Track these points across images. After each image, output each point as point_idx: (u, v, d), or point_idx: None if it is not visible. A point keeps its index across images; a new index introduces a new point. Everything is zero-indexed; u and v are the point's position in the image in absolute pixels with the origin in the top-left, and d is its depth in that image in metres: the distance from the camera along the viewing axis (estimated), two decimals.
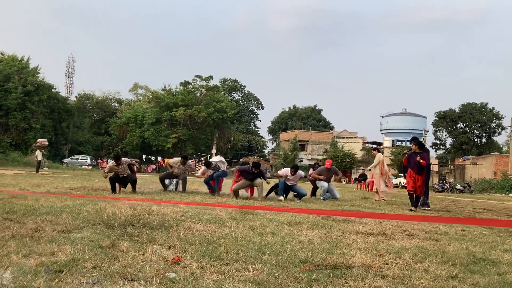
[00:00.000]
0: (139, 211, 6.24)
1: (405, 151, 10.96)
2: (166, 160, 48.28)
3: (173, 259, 3.32)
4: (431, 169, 11.16)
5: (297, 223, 5.96)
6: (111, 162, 11.37)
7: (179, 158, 12.10)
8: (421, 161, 9.68)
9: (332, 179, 13.02)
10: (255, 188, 11.36)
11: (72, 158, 45.61)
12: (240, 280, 2.87)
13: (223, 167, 12.28)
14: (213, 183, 11.80)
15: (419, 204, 10.08)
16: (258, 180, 10.82)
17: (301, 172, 11.65)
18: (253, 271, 3.14)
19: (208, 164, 12.05)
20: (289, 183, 11.29)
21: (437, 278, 3.24)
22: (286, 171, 11.33)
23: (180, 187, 12.35)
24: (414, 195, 9.90)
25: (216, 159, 12.79)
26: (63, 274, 2.74)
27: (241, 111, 69.96)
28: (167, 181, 12.49)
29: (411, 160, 10.01)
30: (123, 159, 10.73)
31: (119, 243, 3.80)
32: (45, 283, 2.50)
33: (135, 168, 11.35)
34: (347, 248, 4.31)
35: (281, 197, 10.95)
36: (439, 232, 5.85)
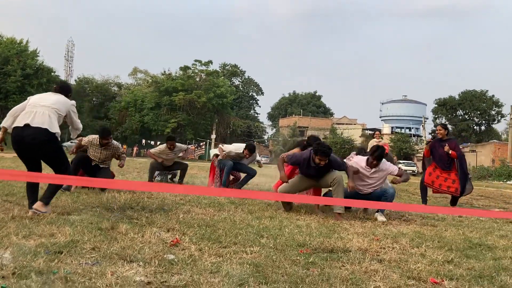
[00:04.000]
0: (138, 194, 6.27)
1: (429, 139, 8.44)
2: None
3: (172, 241, 3.35)
4: (465, 160, 7.70)
5: (295, 207, 5.98)
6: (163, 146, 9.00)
7: (164, 145, 9.07)
8: (450, 152, 7.36)
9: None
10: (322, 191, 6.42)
11: (71, 142, 45.53)
12: (238, 262, 2.89)
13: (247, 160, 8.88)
14: (234, 179, 8.97)
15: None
16: (334, 175, 5.66)
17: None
18: (251, 254, 3.17)
19: (253, 149, 8.58)
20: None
21: (433, 263, 3.27)
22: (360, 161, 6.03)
23: (173, 177, 9.88)
24: (429, 190, 7.78)
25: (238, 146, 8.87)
26: (62, 255, 2.76)
27: (241, 96, 69.73)
28: (157, 176, 9.55)
29: (436, 150, 7.58)
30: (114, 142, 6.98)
31: (118, 225, 3.82)
32: (45, 264, 2.52)
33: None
34: (344, 233, 4.35)
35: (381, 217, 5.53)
36: (436, 218, 5.88)
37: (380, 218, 5.45)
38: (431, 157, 7.69)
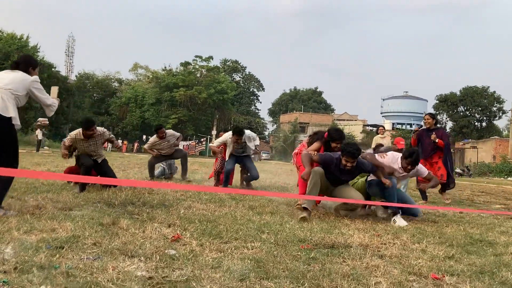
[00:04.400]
0: (139, 190, 6.27)
1: (416, 128, 8.25)
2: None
3: (173, 236, 3.35)
4: (451, 150, 7.55)
5: (296, 202, 5.98)
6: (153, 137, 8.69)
7: (154, 136, 8.74)
8: (437, 140, 7.26)
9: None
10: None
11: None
12: (239, 257, 2.90)
13: (251, 145, 7.89)
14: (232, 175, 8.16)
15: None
16: (352, 195, 5.16)
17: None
18: (252, 249, 3.17)
19: (239, 132, 7.52)
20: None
21: (434, 258, 3.27)
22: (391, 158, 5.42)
23: (170, 170, 9.35)
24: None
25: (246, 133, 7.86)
26: (64, 250, 2.77)
27: (242, 92, 69.69)
28: (157, 171, 9.14)
29: (423, 139, 7.54)
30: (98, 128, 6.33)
31: (119, 221, 3.82)
32: (46, 258, 2.52)
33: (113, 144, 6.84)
34: (345, 228, 4.35)
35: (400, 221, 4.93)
36: (437, 214, 5.89)
37: (400, 222, 4.85)
38: (418, 146, 7.50)
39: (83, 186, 5.89)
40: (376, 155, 5.49)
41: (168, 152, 8.79)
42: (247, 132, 7.79)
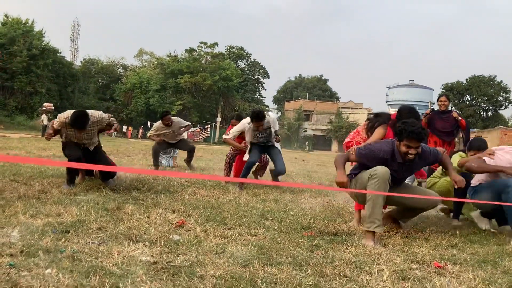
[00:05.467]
0: (144, 176, 6.29)
1: (428, 111, 7.18)
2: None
3: (177, 222, 3.37)
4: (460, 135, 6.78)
5: (300, 190, 6.00)
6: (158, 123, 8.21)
7: (158, 122, 8.22)
8: (460, 118, 6.46)
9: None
10: None
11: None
12: (243, 243, 2.91)
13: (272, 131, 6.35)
14: (260, 165, 6.92)
15: None
16: (427, 194, 3.75)
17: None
18: (255, 236, 3.19)
19: (258, 117, 6.03)
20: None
21: (437, 247, 3.28)
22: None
23: (171, 161, 8.96)
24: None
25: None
26: (69, 234, 2.79)
27: (247, 79, 69.36)
28: (164, 162, 8.83)
29: (435, 123, 6.62)
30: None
31: (124, 206, 3.85)
32: (52, 242, 2.55)
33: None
34: (349, 216, 4.36)
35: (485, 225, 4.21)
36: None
37: (483, 226, 4.13)
38: (429, 130, 6.53)
39: (71, 180, 4.92)
40: (484, 158, 4.01)
41: (173, 140, 8.28)
42: (270, 114, 6.40)
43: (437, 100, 7.02)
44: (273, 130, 6.32)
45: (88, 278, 1.97)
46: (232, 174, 6.98)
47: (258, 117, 6.02)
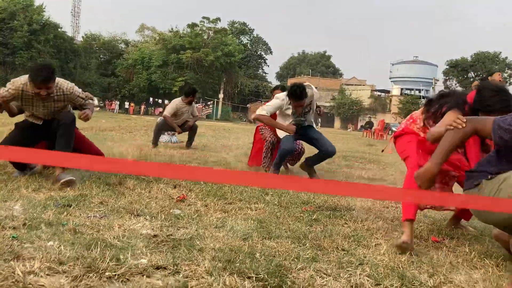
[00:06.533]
0: (146, 151, 6.33)
1: (476, 82, 6.09)
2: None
3: (178, 197, 3.41)
4: None
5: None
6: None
7: (179, 99, 7.82)
8: None
9: None
10: None
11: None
12: (243, 218, 2.95)
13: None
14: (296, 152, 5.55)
15: None
16: None
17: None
18: (255, 210, 3.23)
19: (297, 93, 4.80)
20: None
21: (435, 222, 3.32)
22: None
23: (174, 137, 8.61)
24: None
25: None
26: (71, 208, 2.83)
27: (249, 55, 68.84)
28: (166, 137, 8.47)
29: None
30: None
31: (126, 181, 3.88)
32: (54, 216, 2.59)
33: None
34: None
35: None
36: None
37: None
38: None
39: (21, 166, 3.84)
40: None
41: (180, 123, 7.80)
42: (313, 88, 5.10)
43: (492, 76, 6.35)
44: (314, 107, 5.22)
45: (89, 250, 2.01)
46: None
47: (298, 95, 4.66)
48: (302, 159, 5.52)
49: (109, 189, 3.49)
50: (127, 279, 1.77)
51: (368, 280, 1.95)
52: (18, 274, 1.68)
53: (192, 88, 8.14)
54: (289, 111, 4.98)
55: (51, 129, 3.87)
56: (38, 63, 4.04)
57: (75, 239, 2.19)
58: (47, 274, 1.74)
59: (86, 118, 3.92)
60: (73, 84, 3.99)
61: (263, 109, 5.00)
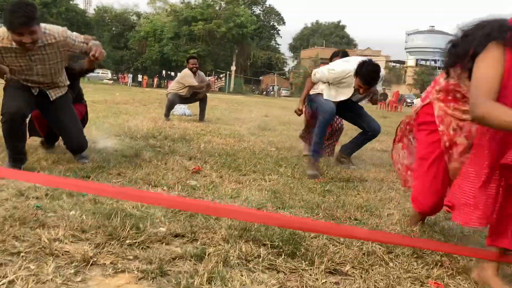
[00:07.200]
0: (160, 124, 6.40)
1: None
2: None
3: (193, 168, 3.47)
4: None
5: None
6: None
7: (185, 70, 7.74)
8: None
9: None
10: None
11: (92, 72, 45.84)
12: (257, 189, 3.01)
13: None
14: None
15: None
16: None
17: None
18: (269, 181, 3.28)
19: (371, 78, 3.76)
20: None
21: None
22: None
23: (187, 110, 8.73)
24: None
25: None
26: (90, 179, 2.91)
27: (262, 26, 67.84)
28: (181, 109, 8.64)
29: None
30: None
31: (142, 153, 3.96)
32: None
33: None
34: (362, 164, 4.42)
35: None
36: None
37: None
38: None
39: (15, 157, 3.13)
40: None
41: (189, 95, 7.74)
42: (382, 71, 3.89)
43: None
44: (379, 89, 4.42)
45: (110, 219, 2.08)
46: None
47: (374, 81, 3.78)
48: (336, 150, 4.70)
49: (126, 161, 3.57)
50: (147, 246, 1.84)
51: (380, 248, 2.00)
52: (44, 241, 1.77)
53: (189, 56, 8.20)
54: (344, 85, 3.95)
55: (48, 110, 3.34)
56: (13, 2, 2.79)
57: (96, 208, 2.27)
58: (71, 241, 1.82)
59: (101, 55, 3.11)
60: (65, 27, 3.18)
61: (316, 74, 4.00)
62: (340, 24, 77.02)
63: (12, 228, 1.89)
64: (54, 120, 3.37)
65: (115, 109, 9.09)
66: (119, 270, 1.62)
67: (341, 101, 4.01)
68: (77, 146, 3.35)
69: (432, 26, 76.80)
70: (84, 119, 4.02)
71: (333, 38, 71.97)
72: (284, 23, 73.36)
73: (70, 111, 3.39)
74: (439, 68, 60.01)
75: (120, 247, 1.81)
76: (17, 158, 3.12)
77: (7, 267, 1.54)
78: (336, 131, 4.78)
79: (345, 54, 4.56)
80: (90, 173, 3.05)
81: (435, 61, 66.81)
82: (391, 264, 1.85)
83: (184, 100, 7.84)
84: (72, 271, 1.57)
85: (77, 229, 1.95)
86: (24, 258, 1.64)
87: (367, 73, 3.70)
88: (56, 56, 3.13)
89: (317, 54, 60.47)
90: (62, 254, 1.69)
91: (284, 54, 73.59)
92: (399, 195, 3.16)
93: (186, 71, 7.73)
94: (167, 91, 8.09)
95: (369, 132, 4.20)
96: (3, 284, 1.41)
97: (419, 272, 1.79)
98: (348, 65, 3.90)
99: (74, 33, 3.18)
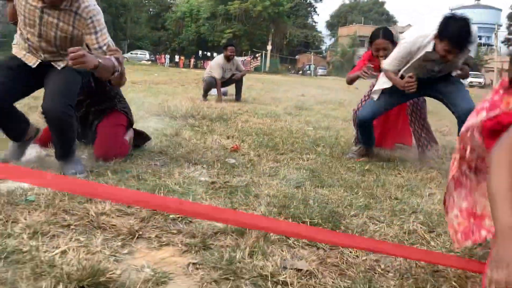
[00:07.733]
0: (198, 104, 6.48)
1: None
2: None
3: (232, 147, 3.52)
4: None
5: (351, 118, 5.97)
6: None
7: (220, 56, 7.78)
8: None
9: None
10: None
11: (131, 53, 46.64)
12: (295, 167, 3.02)
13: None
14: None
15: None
16: None
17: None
18: (307, 160, 3.28)
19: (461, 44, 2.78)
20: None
21: None
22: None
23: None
24: None
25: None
26: (133, 157, 3.00)
27: (298, 4, 66.77)
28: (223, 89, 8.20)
29: None
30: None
31: (182, 132, 4.04)
32: (119, 164, 2.75)
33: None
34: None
35: None
36: None
37: None
38: None
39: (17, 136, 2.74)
40: None
41: (225, 79, 7.85)
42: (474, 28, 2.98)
43: None
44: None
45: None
46: None
47: (467, 40, 2.83)
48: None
49: (167, 140, 3.66)
50: (190, 221, 1.90)
51: (421, 227, 1.98)
52: (92, 215, 1.85)
53: (227, 42, 8.10)
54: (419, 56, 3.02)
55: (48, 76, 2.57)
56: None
57: (140, 184, 2.35)
58: (117, 216, 1.90)
59: (78, 62, 2.16)
60: (101, 13, 2.59)
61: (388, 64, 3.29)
62: (380, 0, 74.78)
63: (61, 202, 1.98)
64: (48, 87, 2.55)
65: (155, 89, 9.25)
66: (164, 243, 1.68)
67: (421, 79, 3.12)
68: (44, 109, 2.44)
69: (478, 0, 73.41)
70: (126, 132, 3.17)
71: (372, 15, 70.04)
72: (321, 0, 71.86)
73: (63, 74, 2.56)
74: (484, 45, 57.51)
75: (164, 221, 1.87)
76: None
77: (59, 238, 1.62)
78: (419, 109, 3.77)
79: (386, 31, 3.79)
80: (132, 151, 3.14)
81: (480, 37, 64.01)
82: (432, 243, 1.83)
83: (220, 82, 7.83)
84: (119, 243, 1.63)
85: (123, 204, 2.02)
86: (74, 230, 1.72)
87: (457, 30, 2.75)
88: (68, 27, 2.48)
89: (356, 31, 59.11)
90: (109, 228, 1.76)
91: (321, 32, 72.35)
92: (442, 175, 3.09)
93: (218, 59, 7.75)
94: (203, 76, 8.08)
95: (455, 113, 3.14)
96: (56, 254, 1.49)
97: (462, 251, 1.77)
98: (422, 30, 3.04)
99: (108, 37, 2.66)
